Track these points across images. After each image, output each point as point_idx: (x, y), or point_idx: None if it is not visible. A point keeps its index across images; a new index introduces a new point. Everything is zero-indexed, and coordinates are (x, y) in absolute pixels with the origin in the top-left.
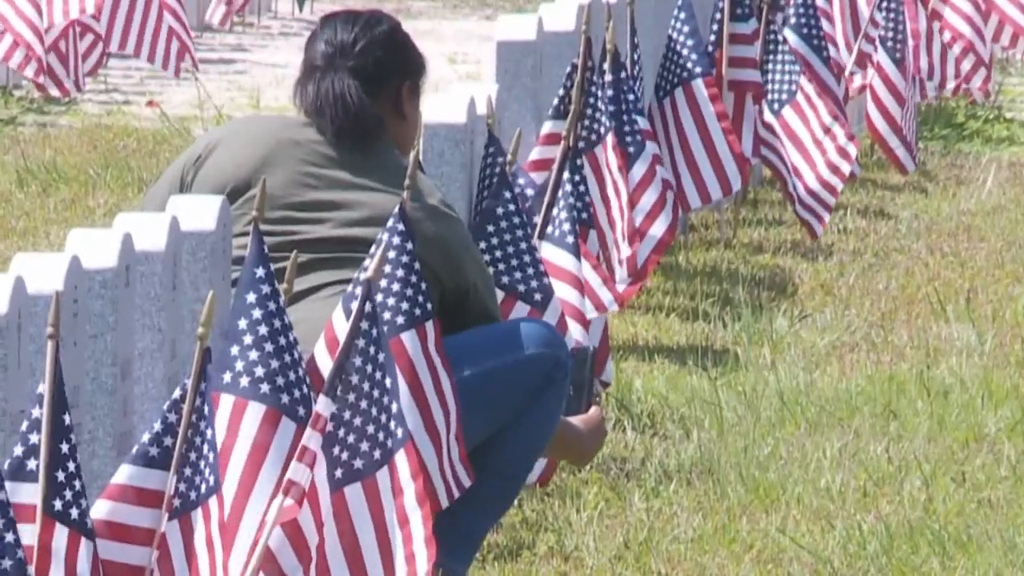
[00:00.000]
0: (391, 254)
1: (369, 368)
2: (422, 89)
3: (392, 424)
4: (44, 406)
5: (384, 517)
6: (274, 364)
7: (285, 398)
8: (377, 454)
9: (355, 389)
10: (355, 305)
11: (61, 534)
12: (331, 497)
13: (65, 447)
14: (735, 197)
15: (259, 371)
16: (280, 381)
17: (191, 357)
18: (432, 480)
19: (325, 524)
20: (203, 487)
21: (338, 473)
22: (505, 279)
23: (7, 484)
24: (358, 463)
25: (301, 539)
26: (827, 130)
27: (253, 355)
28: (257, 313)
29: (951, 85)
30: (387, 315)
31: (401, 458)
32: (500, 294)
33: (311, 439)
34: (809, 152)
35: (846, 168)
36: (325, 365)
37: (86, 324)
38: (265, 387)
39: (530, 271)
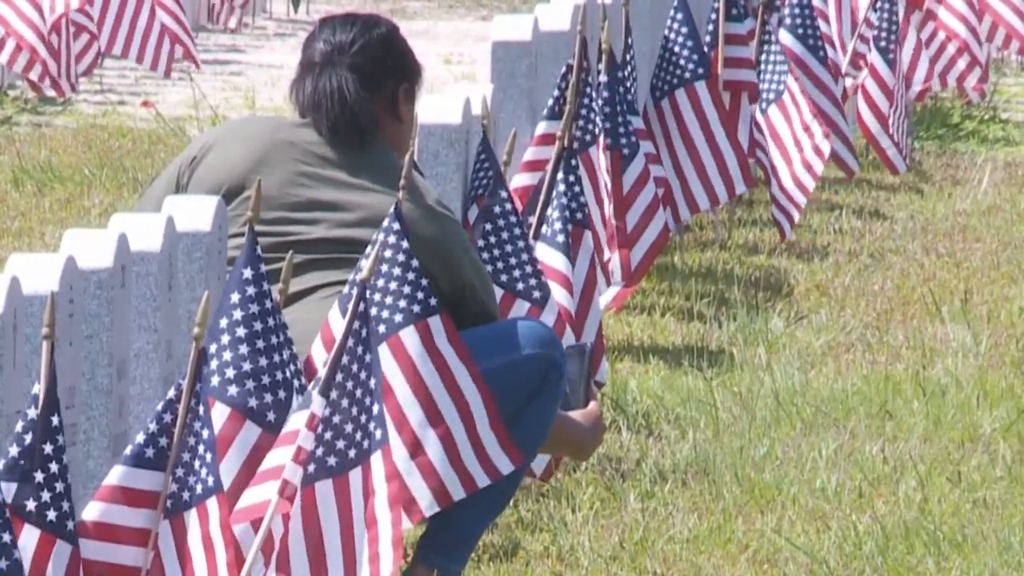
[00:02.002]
0: (387, 253)
1: (355, 368)
2: (418, 94)
3: (371, 425)
4: (40, 407)
5: (352, 516)
6: (246, 367)
7: (253, 402)
8: (352, 453)
9: (339, 387)
10: (350, 305)
11: (30, 535)
12: (301, 491)
13: (49, 448)
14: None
15: (230, 372)
16: (251, 384)
17: (187, 357)
18: (440, 475)
19: (292, 517)
20: (198, 487)
21: (311, 468)
22: (504, 277)
23: (3, 485)
24: (332, 460)
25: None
26: (807, 128)
27: (227, 356)
28: (237, 314)
29: (935, 83)
30: (385, 313)
31: (377, 460)
32: (499, 292)
33: (306, 439)
34: (788, 151)
35: (819, 167)
36: (321, 365)
37: (82, 324)
38: (233, 389)
39: (528, 269)
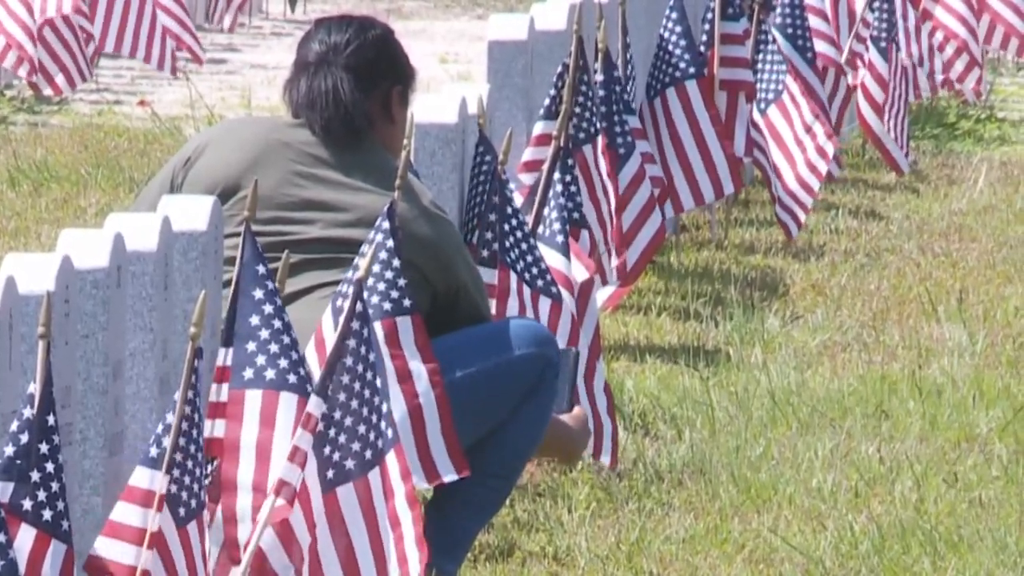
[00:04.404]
0: (380, 253)
1: (360, 368)
2: (411, 97)
3: (383, 425)
4: (35, 406)
5: (376, 518)
6: (295, 356)
7: (308, 388)
8: (368, 455)
9: (346, 389)
10: (346, 305)
11: (26, 534)
12: (323, 498)
13: (45, 447)
14: (727, 197)
15: (283, 363)
16: (303, 372)
17: (183, 357)
18: None
19: (317, 525)
20: (194, 486)
21: (330, 474)
22: (527, 275)
23: None
24: (350, 463)
25: (292, 539)
26: (808, 129)
27: (274, 348)
28: (268, 308)
29: (939, 77)
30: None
31: (391, 459)
32: (513, 279)
33: (302, 439)
34: (790, 151)
35: (823, 167)
36: (315, 365)
37: (77, 324)
38: (292, 377)
39: (529, 259)
